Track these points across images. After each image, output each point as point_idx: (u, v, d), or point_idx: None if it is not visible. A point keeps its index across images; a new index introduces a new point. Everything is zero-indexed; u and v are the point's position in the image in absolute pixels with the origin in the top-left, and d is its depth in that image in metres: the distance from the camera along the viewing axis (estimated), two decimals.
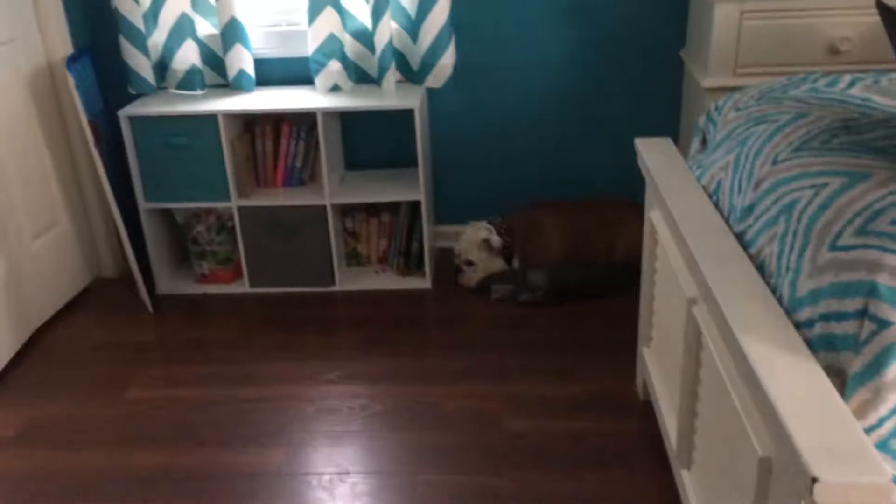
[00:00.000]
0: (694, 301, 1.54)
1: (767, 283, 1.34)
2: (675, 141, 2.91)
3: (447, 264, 2.94)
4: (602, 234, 2.79)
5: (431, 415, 2.17)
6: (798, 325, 1.20)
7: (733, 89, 2.40)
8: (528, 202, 2.93)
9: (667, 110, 2.91)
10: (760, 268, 1.39)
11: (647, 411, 2.12)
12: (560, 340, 2.50)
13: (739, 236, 1.51)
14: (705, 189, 1.73)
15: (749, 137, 1.61)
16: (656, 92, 2.89)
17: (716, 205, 1.65)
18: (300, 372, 2.40)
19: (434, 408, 2.20)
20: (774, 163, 1.46)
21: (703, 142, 1.94)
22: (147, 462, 2.04)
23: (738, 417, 1.24)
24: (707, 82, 2.41)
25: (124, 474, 2.00)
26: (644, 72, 2.87)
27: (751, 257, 1.43)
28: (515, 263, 2.83)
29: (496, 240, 2.77)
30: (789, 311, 1.23)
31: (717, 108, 1.86)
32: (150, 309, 2.77)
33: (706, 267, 1.42)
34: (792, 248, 1.28)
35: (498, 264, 2.81)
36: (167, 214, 2.91)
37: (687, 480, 1.64)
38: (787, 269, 1.28)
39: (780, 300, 1.28)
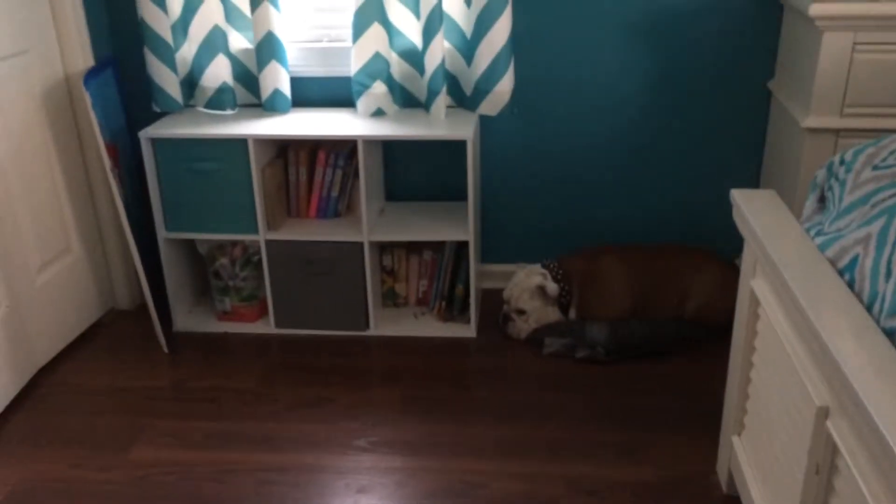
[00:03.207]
0: (827, 413, 1.23)
1: None
2: (756, 185, 2.59)
3: (493, 309, 2.65)
4: (672, 285, 2.47)
5: (479, 498, 1.87)
6: None
7: (838, 131, 2.10)
8: (586, 246, 2.62)
9: (748, 149, 2.59)
10: None
11: None
12: (624, 408, 2.18)
13: (890, 335, 1.19)
14: (832, 263, 1.41)
15: None
16: (737, 127, 2.57)
17: (849, 286, 1.34)
18: (328, 436, 2.11)
19: (481, 490, 1.90)
20: None
21: (821, 199, 1.63)
22: None
23: None
24: (809, 122, 2.09)
25: None
26: (723, 104, 2.55)
27: None
28: (572, 314, 2.52)
29: (552, 287, 2.47)
30: None
31: (842, 162, 1.55)
32: (165, 349, 2.50)
33: (852, 374, 1.10)
34: None
35: (552, 314, 2.50)
36: (188, 245, 2.64)
37: None
38: None
39: None
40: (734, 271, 2.51)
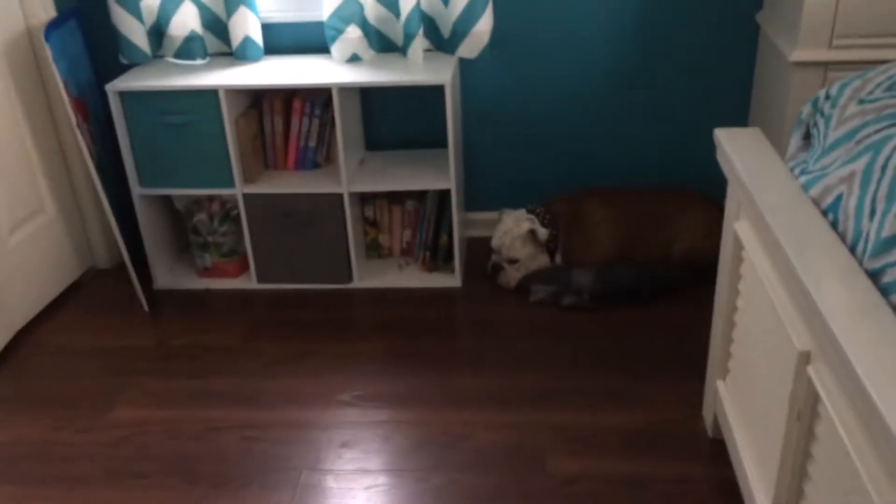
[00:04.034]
0: (808, 358, 1.19)
1: None
2: (744, 122, 2.53)
3: (478, 258, 2.61)
4: (660, 229, 2.42)
5: (465, 450, 1.86)
6: None
7: (826, 65, 2.03)
8: (571, 189, 2.57)
9: (736, 86, 2.51)
10: None
11: (717, 452, 1.78)
12: (611, 355, 2.16)
13: (874, 276, 1.15)
14: (815, 203, 1.36)
15: (885, 142, 1.24)
16: (725, 64, 2.49)
17: (833, 226, 1.29)
18: (312, 390, 2.09)
19: (467, 441, 1.88)
20: None
21: (806, 136, 1.57)
22: None
23: None
24: (796, 55, 2.01)
25: None
26: (710, 39, 2.46)
27: (895, 308, 1.08)
28: (558, 259, 2.48)
29: (542, 231, 2.42)
30: None
31: (828, 97, 1.48)
32: (146, 307, 2.47)
33: (833, 319, 1.07)
34: None
35: (543, 260, 2.46)
36: (165, 201, 2.59)
37: None
38: None
39: None
40: (719, 213, 2.47)
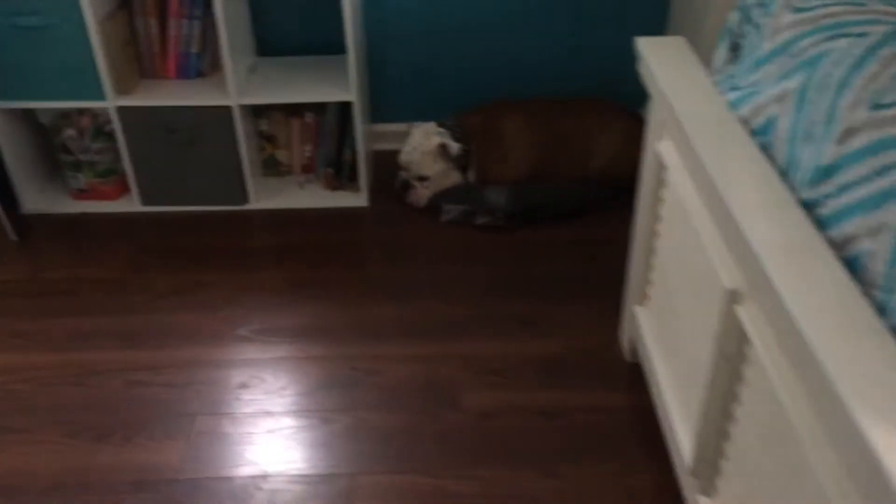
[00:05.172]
0: (737, 297, 1.11)
1: (867, 295, 0.91)
2: (661, 30, 2.39)
3: (386, 173, 2.44)
4: (577, 143, 2.30)
5: (372, 388, 1.74)
6: None
7: None
8: (484, 101, 2.40)
9: None
10: (850, 265, 0.96)
11: (635, 378, 1.74)
12: (527, 278, 2.07)
13: (809, 207, 1.06)
14: (745, 124, 1.26)
15: (822, 58, 1.13)
16: None
17: (764, 150, 1.19)
18: (206, 325, 1.92)
19: (375, 377, 1.77)
20: (876, 107, 0.99)
21: (734, 48, 1.45)
22: None
23: (809, 467, 0.84)
24: None
25: None
26: None
27: (831, 243, 0.99)
28: (471, 177, 2.34)
29: (455, 146, 2.26)
30: None
31: (761, 4, 1.35)
32: (13, 235, 2.20)
33: (767, 257, 0.97)
34: None
35: (455, 177, 2.31)
36: (28, 115, 2.28)
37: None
38: None
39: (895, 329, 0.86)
40: (641, 125, 2.36)
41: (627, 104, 2.37)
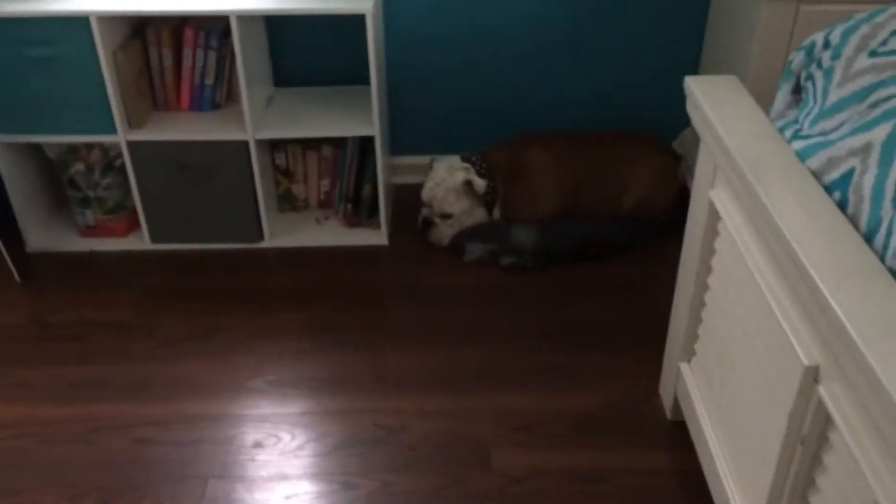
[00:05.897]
0: (818, 375, 0.99)
1: None
2: (696, 64, 2.29)
3: (406, 208, 2.33)
4: (607, 178, 2.19)
5: (397, 446, 1.62)
6: None
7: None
8: (510, 135, 2.29)
9: (688, 21, 2.26)
10: None
11: (678, 437, 1.61)
12: (556, 325, 1.95)
13: None
14: (816, 177, 1.14)
15: None
16: None
17: (840, 207, 1.08)
18: (218, 376, 1.81)
19: (399, 434, 1.65)
20: None
21: (796, 90, 1.34)
22: None
23: None
24: None
25: None
26: None
27: None
28: (496, 214, 2.23)
29: (480, 183, 2.15)
30: None
31: (827, 45, 1.25)
32: (17, 276, 2.10)
33: (858, 333, 0.86)
34: None
35: (480, 215, 2.20)
36: (34, 149, 2.18)
37: None
38: None
39: None
40: (674, 160, 2.26)
41: (653, 135, 2.26)
